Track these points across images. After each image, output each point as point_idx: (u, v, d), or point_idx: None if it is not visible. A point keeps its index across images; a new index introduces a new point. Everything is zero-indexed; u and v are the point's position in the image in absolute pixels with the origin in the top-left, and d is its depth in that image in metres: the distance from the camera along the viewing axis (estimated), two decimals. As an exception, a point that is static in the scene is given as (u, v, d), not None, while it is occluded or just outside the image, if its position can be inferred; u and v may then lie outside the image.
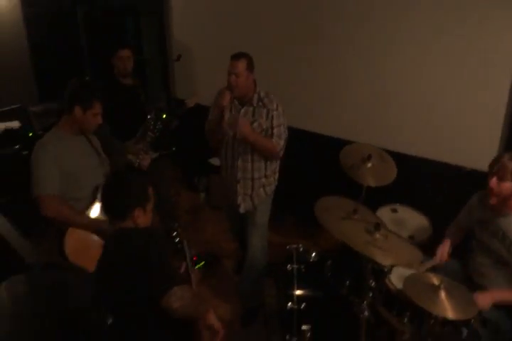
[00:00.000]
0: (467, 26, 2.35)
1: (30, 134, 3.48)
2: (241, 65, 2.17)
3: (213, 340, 1.34)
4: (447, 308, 1.49)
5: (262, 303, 2.55)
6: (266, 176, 2.38)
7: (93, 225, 1.99)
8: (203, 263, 2.87)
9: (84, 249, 1.92)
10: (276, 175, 2.49)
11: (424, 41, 2.53)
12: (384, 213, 2.38)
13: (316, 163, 3.17)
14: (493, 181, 1.79)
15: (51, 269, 1.50)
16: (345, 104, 2.96)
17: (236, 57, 2.19)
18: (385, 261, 1.49)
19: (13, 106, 3.66)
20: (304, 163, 3.28)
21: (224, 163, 2.45)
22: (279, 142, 2.24)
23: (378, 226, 1.55)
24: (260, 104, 2.26)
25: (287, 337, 2.08)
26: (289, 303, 2.01)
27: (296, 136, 3.16)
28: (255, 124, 2.25)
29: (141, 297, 1.34)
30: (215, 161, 3.54)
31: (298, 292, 2.04)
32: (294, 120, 3.14)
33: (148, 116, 2.82)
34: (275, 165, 2.43)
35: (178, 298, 1.31)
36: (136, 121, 2.92)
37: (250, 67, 2.21)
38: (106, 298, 1.42)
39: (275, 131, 2.24)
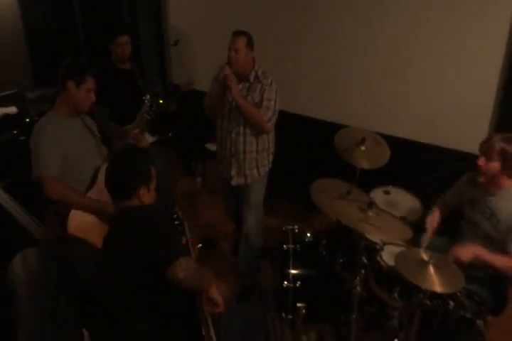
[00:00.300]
0: (456, 9, 2.38)
1: (28, 120, 3.48)
2: (241, 41, 2.24)
3: (213, 311, 1.43)
4: (436, 282, 1.56)
5: (258, 282, 2.63)
6: (257, 151, 2.43)
7: (96, 207, 2.02)
8: (200, 245, 2.94)
9: (85, 234, 1.94)
10: (270, 157, 2.54)
11: (413, 26, 2.56)
12: (377, 195, 2.44)
13: (312, 147, 3.23)
14: (482, 160, 1.87)
15: (60, 243, 1.55)
16: (340, 90, 3.00)
17: (237, 33, 2.27)
18: (377, 236, 1.56)
19: (10, 92, 3.65)
20: (299, 146, 3.33)
21: (219, 135, 2.51)
22: (266, 113, 2.29)
23: (371, 204, 1.61)
24: (256, 80, 2.34)
25: (283, 314, 2.18)
26: (285, 282, 2.09)
27: (292, 120, 3.22)
28: (248, 98, 2.32)
29: (149, 269, 1.40)
30: (211, 146, 3.58)
31: (293, 271, 2.11)
32: (289, 104, 3.19)
33: (144, 99, 2.86)
34: (267, 142, 2.46)
35: (183, 269, 1.38)
36: (134, 105, 2.95)
37: (250, 44, 2.28)
38: (114, 272, 1.47)
39: (264, 103, 2.29)
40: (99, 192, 2.02)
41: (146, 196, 1.57)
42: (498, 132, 2.03)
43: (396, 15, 2.61)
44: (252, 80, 2.34)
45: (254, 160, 2.46)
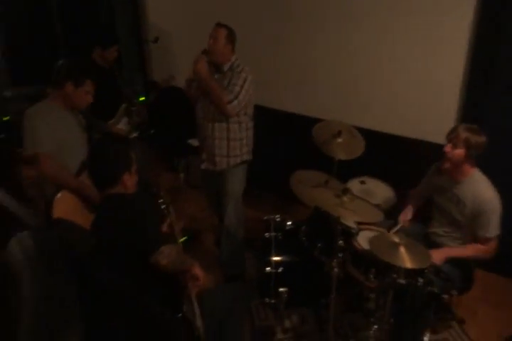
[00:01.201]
0: (424, 4, 2.50)
1: (5, 118, 3.47)
2: (222, 32, 2.34)
3: (196, 286, 1.55)
4: (406, 260, 1.71)
5: (242, 272, 2.73)
6: (228, 139, 2.49)
7: (85, 189, 2.05)
8: (185, 238, 3.01)
9: (71, 217, 1.97)
10: (244, 149, 2.58)
11: (385, 21, 2.68)
12: (353, 184, 2.56)
13: (291, 140, 3.34)
14: (448, 146, 2.02)
15: (52, 226, 1.60)
16: (317, 86, 3.11)
17: (219, 24, 2.38)
18: (351, 219, 1.67)
19: (-14, 91, 3.62)
20: (279, 140, 3.44)
21: (198, 122, 2.59)
22: (228, 95, 2.35)
23: (346, 190, 1.74)
24: (229, 70, 2.42)
25: (266, 299, 2.29)
26: (267, 268, 2.19)
27: (272, 115, 3.33)
28: None
29: (133, 255, 1.49)
30: (193, 142, 3.64)
31: (275, 257, 2.21)
32: (269, 100, 3.31)
33: (132, 101, 2.93)
34: (238, 132, 2.50)
35: (165, 256, 1.46)
36: (113, 102, 3.01)
37: (230, 37, 2.37)
38: (102, 254, 1.55)
39: (230, 87, 2.37)
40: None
41: (130, 181, 1.64)
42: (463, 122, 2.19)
43: (368, 12, 2.73)
44: (225, 70, 2.42)
45: (224, 148, 2.51)
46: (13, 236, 1.20)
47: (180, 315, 1.53)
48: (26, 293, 1.00)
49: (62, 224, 1.48)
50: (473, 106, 2.52)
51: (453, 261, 2.07)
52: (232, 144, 2.51)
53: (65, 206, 2.01)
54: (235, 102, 2.37)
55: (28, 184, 2.32)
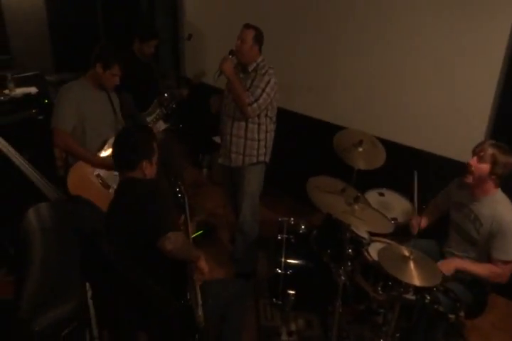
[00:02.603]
0: (456, 18, 2.46)
1: (46, 101, 3.64)
2: (249, 33, 2.39)
3: (200, 279, 1.69)
4: (414, 277, 1.68)
5: (253, 270, 2.78)
6: (246, 138, 2.52)
7: (99, 161, 2.25)
8: (201, 232, 3.09)
9: (83, 188, 2.16)
10: (262, 151, 2.59)
11: (413, 35, 2.65)
12: (371, 196, 2.55)
13: (314, 146, 3.34)
14: (474, 160, 1.99)
15: (69, 201, 1.71)
16: (343, 94, 3.12)
17: (248, 25, 2.42)
18: (361, 227, 1.68)
19: (31, 73, 3.81)
20: (302, 145, 3.46)
21: (221, 117, 2.64)
22: (250, 97, 2.38)
23: (357, 198, 1.75)
24: (254, 71, 2.46)
25: (273, 299, 2.33)
26: (277, 269, 2.23)
27: (296, 120, 3.35)
28: None
29: (142, 237, 1.58)
30: (218, 139, 3.71)
31: (285, 259, 2.25)
32: (294, 104, 3.33)
33: (165, 95, 3.03)
34: (257, 133, 2.53)
35: (171, 242, 1.55)
36: (150, 94, 3.12)
37: (257, 39, 2.41)
38: (115, 232, 1.66)
39: (251, 89, 2.40)
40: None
41: (149, 169, 1.74)
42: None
43: (397, 21, 2.71)
44: (250, 71, 2.46)
45: (241, 146, 2.54)
46: (32, 207, 1.30)
47: (183, 302, 1.61)
48: (35, 254, 1.09)
49: (80, 201, 1.59)
50: (504, 127, 2.46)
51: (467, 283, 2.03)
52: (249, 143, 2.54)
53: (76, 181, 2.18)
54: (255, 105, 2.40)
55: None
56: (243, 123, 2.50)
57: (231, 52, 2.38)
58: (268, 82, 2.40)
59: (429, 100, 2.70)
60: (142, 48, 3.11)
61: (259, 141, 2.55)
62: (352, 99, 3.08)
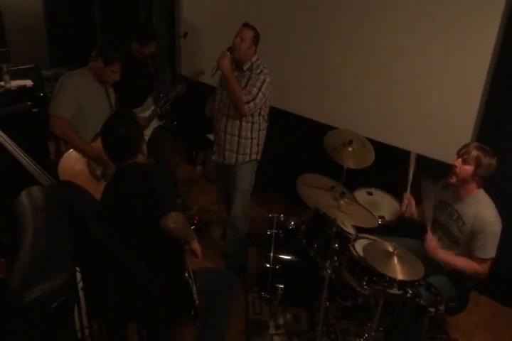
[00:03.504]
0: (445, 20, 2.51)
1: (42, 94, 3.66)
2: (249, 33, 2.43)
3: (194, 259, 1.82)
4: (398, 271, 1.76)
5: (243, 265, 2.83)
6: (239, 136, 2.57)
7: (93, 151, 2.28)
8: (193, 227, 3.14)
9: (72, 176, 2.20)
10: (255, 149, 2.63)
11: (404, 37, 2.70)
12: (360, 195, 2.61)
13: (305, 145, 3.39)
14: (458, 161, 2.05)
15: (61, 185, 1.76)
16: (335, 94, 3.17)
17: (247, 25, 2.47)
18: (346, 222, 1.73)
19: (27, 66, 3.82)
20: (293, 144, 3.50)
21: (214, 114, 2.69)
22: (247, 96, 2.41)
23: (343, 194, 1.82)
24: (249, 70, 2.50)
25: (262, 293, 2.39)
26: (266, 263, 2.29)
27: (288, 119, 3.40)
28: None
29: (145, 216, 1.67)
30: (212, 137, 3.75)
31: (274, 254, 2.30)
32: (287, 104, 3.37)
33: (161, 95, 3.07)
34: (250, 132, 2.57)
35: (173, 221, 1.64)
36: (143, 91, 3.16)
37: (255, 39, 2.46)
38: (114, 216, 1.74)
39: (248, 88, 2.44)
40: None
41: (144, 147, 1.84)
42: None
43: (389, 23, 2.76)
44: (245, 69, 2.51)
45: (234, 144, 2.58)
46: (24, 189, 1.35)
47: (182, 277, 1.73)
48: (27, 233, 1.13)
49: (71, 185, 1.64)
50: (490, 129, 2.53)
51: (449, 278, 2.10)
52: (242, 142, 2.58)
53: (67, 167, 2.23)
54: (252, 104, 2.44)
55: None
56: (237, 122, 2.54)
57: (229, 49, 2.42)
58: (264, 81, 2.44)
59: (418, 102, 2.76)
60: (142, 50, 3.17)
61: (252, 139, 2.60)
62: (343, 100, 3.13)
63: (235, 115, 2.52)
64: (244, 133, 2.57)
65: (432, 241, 2.06)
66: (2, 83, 3.50)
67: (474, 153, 2.00)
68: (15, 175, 2.05)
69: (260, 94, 2.43)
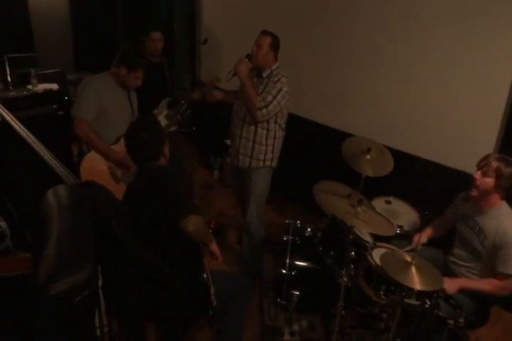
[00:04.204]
0: (467, 27, 2.49)
1: (66, 98, 3.78)
2: (266, 40, 2.46)
3: (213, 261, 1.88)
4: (416, 281, 1.73)
5: (258, 270, 2.83)
6: (254, 142, 2.59)
7: (114, 153, 2.34)
8: (209, 231, 3.15)
9: (93, 177, 2.20)
10: (269, 156, 2.64)
11: (426, 47, 2.69)
12: (378, 203, 2.59)
13: (324, 153, 3.38)
14: (478, 174, 2.01)
15: (85, 185, 1.80)
16: (354, 102, 3.17)
17: (264, 32, 2.50)
18: (363, 229, 1.73)
19: (53, 70, 3.96)
20: (312, 151, 3.51)
21: (232, 118, 2.72)
22: (260, 102, 2.44)
23: (361, 201, 1.80)
24: (267, 77, 2.52)
25: (278, 300, 2.38)
26: (282, 269, 2.28)
27: (307, 126, 3.41)
28: None
29: (166, 218, 1.71)
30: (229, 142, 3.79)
31: (290, 260, 2.29)
32: (306, 111, 3.38)
33: (182, 101, 3.11)
34: (265, 138, 2.58)
35: (193, 223, 1.69)
36: (159, 96, 3.21)
37: (273, 45, 2.48)
38: (136, 217, 1.77)
39: (263, 94, 2.46)
40: None
41: (166, 150, 1.88)
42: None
43: (411, 34, 2.76)
44: (264, 76, 2.53)
45: (249, 149, 2.60)
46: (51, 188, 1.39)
47: (200, 278, 1.77)
48: (52, 229, 1.17)
49: (94, 185, 1.68)
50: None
51: (469, 293, 2.04)
52: (256, 147, 2.60)
53: (90, 166, 2.28)
54: (265, 111, 2.46)
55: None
56: (253, 127, 2.57)
57: (247, 56, 2.47)
58: (280, 90, 2.46)
59: (440, 112, 2.74)
60: (147, 44, 3.15)
61: (266, 145, 2.61)
62: (363, 108, 3.13)
63: (250, 120, 2.55)
64: (259, 139, 2.59)
65: (448, 284, 1.95)
66: (30, 86, 3.63)
67: (494, 164, 1.96)
68: (42, 174, 2.12)
69: (275, 101, 2.45)
